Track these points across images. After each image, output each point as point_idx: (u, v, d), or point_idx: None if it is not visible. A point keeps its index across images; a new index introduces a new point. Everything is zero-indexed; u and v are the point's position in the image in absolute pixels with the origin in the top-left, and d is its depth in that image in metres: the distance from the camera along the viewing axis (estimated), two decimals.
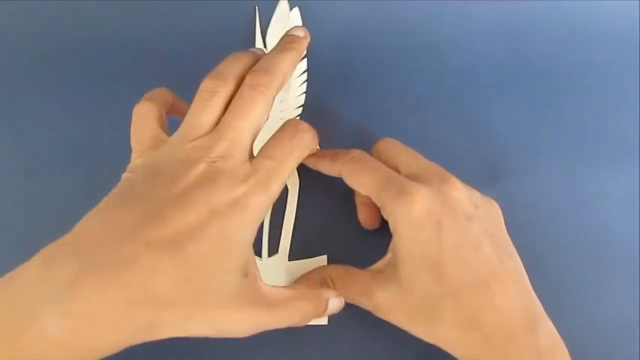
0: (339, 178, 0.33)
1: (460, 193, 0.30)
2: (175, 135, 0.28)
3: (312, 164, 0.35)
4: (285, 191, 0.36)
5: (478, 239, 0.29)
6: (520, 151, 0.38)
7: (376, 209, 0.32)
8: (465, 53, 0.39)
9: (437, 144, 0.38)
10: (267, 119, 0.30)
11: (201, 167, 0.26)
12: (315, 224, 0.36)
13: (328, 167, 0.33)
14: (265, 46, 0.38)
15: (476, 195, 0.32)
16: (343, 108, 0.38)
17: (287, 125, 0.29)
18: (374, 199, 0.31)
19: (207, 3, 0.39)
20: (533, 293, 0.30)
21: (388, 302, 0.30)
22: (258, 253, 0.35)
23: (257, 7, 0.38)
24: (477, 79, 0.39)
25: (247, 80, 0.28)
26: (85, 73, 0.38)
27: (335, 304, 0.30)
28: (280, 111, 0.37)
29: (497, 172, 0.37)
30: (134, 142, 0.29)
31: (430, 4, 0.39)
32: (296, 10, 0.39)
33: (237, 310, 0.26)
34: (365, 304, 0.31)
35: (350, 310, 0.32)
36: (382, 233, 0.34)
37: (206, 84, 0.28)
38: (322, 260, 0.35)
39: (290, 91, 0.38)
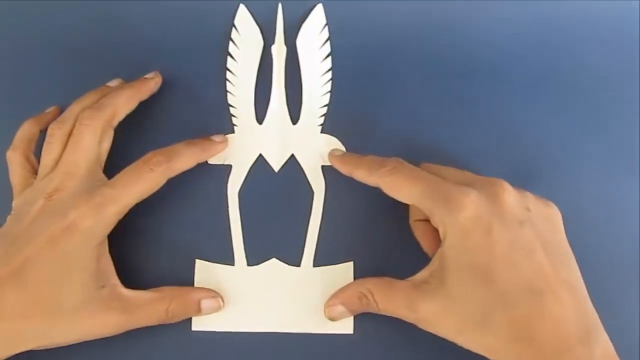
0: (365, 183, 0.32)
1: (511, 196, 0.30)
2: (36, 177, 0.33)
3: (347, 172, 0.34)
4: (310, 195, 0.35)
5: (530, 245, 0.28)
6: (551, 156, 0.37)
7: (435, 230, 0.31)
8: (494, 54, 0.38)
9: (466, 147, 0.36)
10: (108, 147, 0.33)
11: (40, 203, 0.31)
12: (342, 229, 0.35)
13: (365, 178, 0.32)
14: (295, 47, 0.37)
15: (529, 197, 0.31)
16: (368, 108, 0.37)
17: (142, 158, 0.32)
18: (421, 208, 0.30)
19: (222, 2, 0.38)
20: (589, 303, 0.29)
21: (435, 314, 0.29)
22: (230, 261, 0.34)
23: (280, 5, 0.37)
24: (506, 81, 0.37)
25: (78, 118, 0.32)
26: (86, 74, 0.37)
27: (209, 304, 0.32)
28: (305, 112, 0.36)
29: (527, 177, 0.36)
30: (12, 186, 0.33)
31: (458, 4, 0.38)
32: (320, 7, 0.37)
33: (93, 317, 0.30)
34: (408, 316, 0.30)
35: (376, 319, 0.31)
36: (411, 240, 0.34)
37: (48, 130, 0.33)
38: (348, 267, 0.34)
39: (314, 91, 0.37)
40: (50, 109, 0.35)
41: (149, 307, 0.31)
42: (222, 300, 0.33)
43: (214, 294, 0.33)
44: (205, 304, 0.32)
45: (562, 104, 0.37)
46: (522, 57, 0.38)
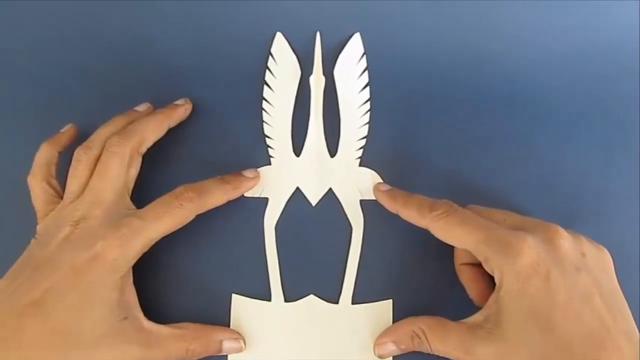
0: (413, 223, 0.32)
1: (567, 241, 0.29)
2: (61, 202, 0.32)
3: (394, 210, 0.33)
4: (349, 230, 0.35)
5: (588, 292, 0.28)
6: (592, 196, 0.36)
7: (482, 276, 0.31)
8: (538, 88, 0.37)
9: (507, 182, 0.36)
10: (136, 173, 0.33)
11: (66, 231, 0.30)
12: (381, 266, 0.34)
13: (414, 220, 0.32)
14: (332, 75, 0.36)
15: (584, 242, 0.30)
16: (407, 140, 0.36)
17: (173, 191, 0.32)
18: (475, 253, 0.30)
19: (258, 29, 0.37)
20: None
21: (492, 358, 0.28)
22: (267, 296, 0.34)
23: (319, 33, 0.36)
24: (551, 116, 0.37)
25: (105, 144, 0.32)
26: (117, 100, 0.36)
27: (231, 345, 0.32)
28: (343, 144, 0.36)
29: (568, 216, 0.35)
30: (36, 210, 0.33)
31: (500, 36, 0.37)
32: (357, 36, 0.37)
33: (112, 349, 0.29)
34: (463, 359, 0.29)
35: (414, 357, 0.31)
36: (451, 276, 0.33)
37: (75, 154, 0.33)
38: (387, 305, 0.33)
39: (352, 122, 0.36)
40: (66, 128, 0.35)
41: (169, 343, 0.31)
42: (244, 342, 0.33)
43: (236, 335, 0.33)
44: (227, 344, 0.32)
45: (608, 140, 0.37)
46: (567, 92, 0.37)
